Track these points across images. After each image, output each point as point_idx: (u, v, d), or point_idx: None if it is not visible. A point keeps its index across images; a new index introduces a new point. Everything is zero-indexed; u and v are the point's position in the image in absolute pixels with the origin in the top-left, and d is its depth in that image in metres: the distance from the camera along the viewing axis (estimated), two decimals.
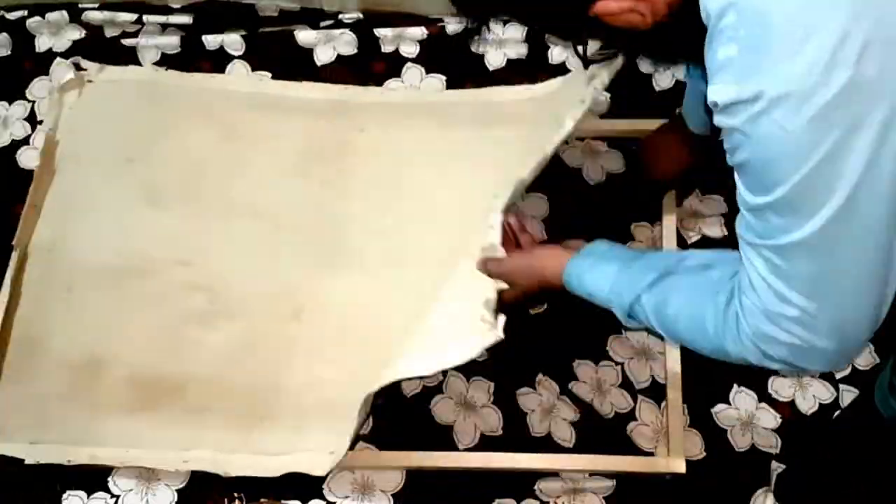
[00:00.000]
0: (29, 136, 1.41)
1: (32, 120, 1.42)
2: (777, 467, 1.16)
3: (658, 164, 1.27)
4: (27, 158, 1.39)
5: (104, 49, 1.47)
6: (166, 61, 1.46)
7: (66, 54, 1.47)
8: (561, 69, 1.43)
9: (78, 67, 1.43)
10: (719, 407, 1.20)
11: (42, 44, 1.48)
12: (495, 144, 1.28)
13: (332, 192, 1.32)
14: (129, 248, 1.29)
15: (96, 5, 1.48)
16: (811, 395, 1.20)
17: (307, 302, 1.24)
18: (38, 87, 1.45)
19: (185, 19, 1.48)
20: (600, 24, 0.75)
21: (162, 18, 1.47)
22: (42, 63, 1.47)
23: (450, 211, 1.27)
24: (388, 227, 1.29)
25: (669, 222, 1.27)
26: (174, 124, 1.37)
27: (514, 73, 1.43)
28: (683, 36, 0.74)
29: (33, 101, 1.44)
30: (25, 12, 1.49)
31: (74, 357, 1.22)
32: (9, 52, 1.48)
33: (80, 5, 1.49)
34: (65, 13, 1.48)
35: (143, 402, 1.19)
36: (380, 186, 1.32)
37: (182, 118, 1.38)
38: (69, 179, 1.33)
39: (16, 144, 1.41)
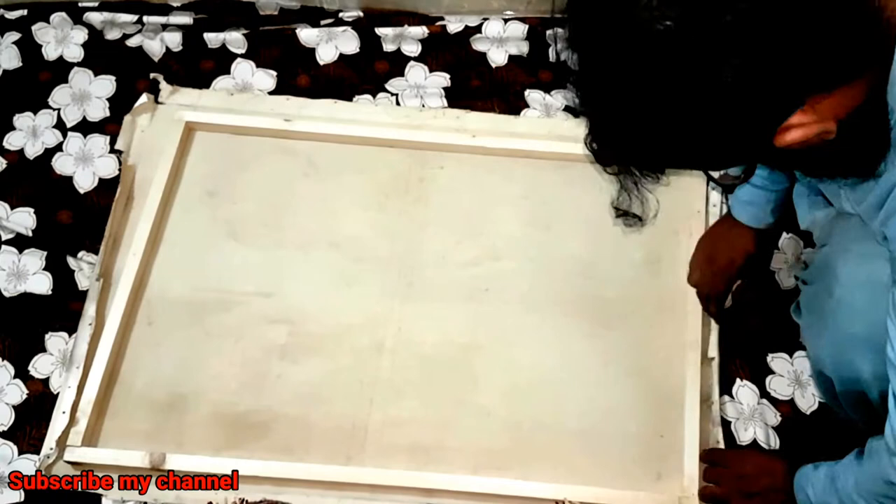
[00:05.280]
0: (61, 143, 1.40)
1: (62, 127, 1.42)
2: None
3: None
4: (62, 165, 1.39)
5: (111, 52, 1.47)
6: (170, 59, 1.47)
7: (80, 63, 1.46)
8: (562, 65, 1.43)
9: (155, 85, 1.43)
10: (723, 398, 1.22)
11: (51, 52, 1.47)
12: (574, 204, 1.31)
13: (411, 225, 1.32)
14: (210, 282, 1.28)
15: (96, 4, 1.48)
16: (810, 395, 1.22)
17: (388, 336, 1.25)
18: (59, 95, 1.44)
19: (186, 19, 1.48)
20: (779, 152, 0.70)
21: (162, 19, 1.47)
22: (57, 71, 1.46)
23: (530, 250, 1.30)
24: (467, 261, 1.30)
25: None
26: (253, 157, 1.37)
27: (516, 70, 1.44)
28: (860, 146, 0.72)
29: (58, 109, 1.43)
30: (25, 11, 1.49)
31: (157, 393, 1.21)
32: (20, 64, 1.47)
33: (80, 4, 1.48)
34: (65, 15, 1.48)
35: (227, 441, 1.18)
36: (458, 220, 1.32)
37: (261, 150, 1.37)
38: (148, 210, 1.31)
39: (49, 152, 1.40)
